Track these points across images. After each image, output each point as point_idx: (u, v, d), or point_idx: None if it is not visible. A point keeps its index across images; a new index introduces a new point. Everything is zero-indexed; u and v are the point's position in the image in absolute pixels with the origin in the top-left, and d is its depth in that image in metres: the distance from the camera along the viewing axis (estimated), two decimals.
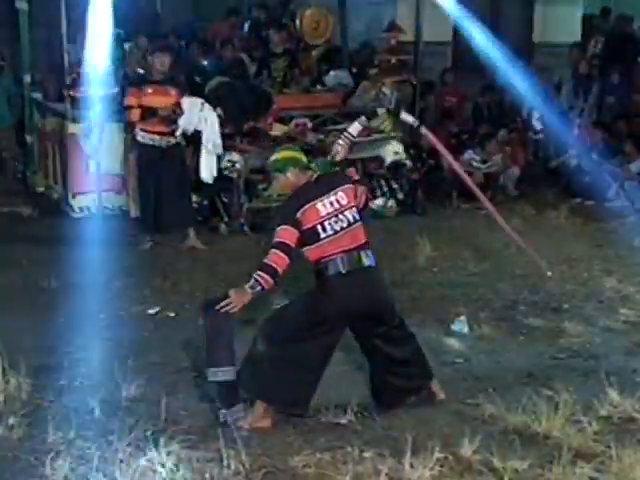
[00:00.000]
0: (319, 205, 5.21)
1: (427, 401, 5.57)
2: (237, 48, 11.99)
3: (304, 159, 5.44)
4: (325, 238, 5.19)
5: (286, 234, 5.16)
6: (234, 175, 9.75)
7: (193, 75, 11.25)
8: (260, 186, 10.42)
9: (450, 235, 9.54)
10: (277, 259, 5.13)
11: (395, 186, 10.62)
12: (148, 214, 9.13)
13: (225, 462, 4.76)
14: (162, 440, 4.92)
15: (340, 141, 5.80)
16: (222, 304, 5.11)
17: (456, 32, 14.32)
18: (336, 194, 5.27)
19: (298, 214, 5.17)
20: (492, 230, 9.79)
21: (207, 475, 4.70)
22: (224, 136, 9.74)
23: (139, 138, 9.01)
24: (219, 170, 9.72)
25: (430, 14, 12.74)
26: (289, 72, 11.61)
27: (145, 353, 6.32)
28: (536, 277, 8.18)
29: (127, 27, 12.94)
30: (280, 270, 5.13)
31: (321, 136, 10.63)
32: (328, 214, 5.21)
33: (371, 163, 10.72)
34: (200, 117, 9.27)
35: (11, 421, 5.24)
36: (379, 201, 10.48)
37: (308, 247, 5.21)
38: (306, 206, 5.19)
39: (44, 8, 13.03)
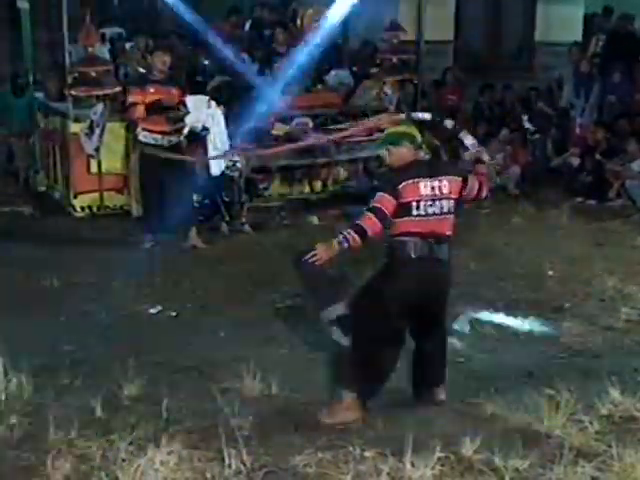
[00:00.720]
0: (422, 185, 5.27)
1: (427, 401, 5.57)
2: (238, 47, 11.97)
3: (419, 137, 5.56)
4: (416, 216, 5.27)
5: (385, 201, 5.26)
6: (235, 174, 9.76)
7: (195, 74, 11.26)
8: (261, 185, 10.45)
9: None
10: (369, 222, 5.25)
11: None
12: (150, 213, 9.13)
13: (226, 461, 4.76)
14: (163, 439, 4.92)
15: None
16: (309, 256, 5.26)
17: (458, 31, 14.35)
18: (441, 181, 5.33)
19: (400, 186, 5.25)
20: (493, 229, 9.84)
21: (208, 474, 4.71)
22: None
23: (141, 137, 9.02)
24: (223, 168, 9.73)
25: (432, 13, 12.76)
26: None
27: (146, 352, 6.32)
28: (537, 276, 8.20)
29: (128, 26, 12.98)
30: (370, 232, 5.25)
31: (322, 135, 10.63)
32: (426, 195, 5.27)
33: (372, 162, 10.71)
34: (207, 114, 9.30)
35: (12, 420, 5.24)
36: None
37: (398, 219, 5.28)
38: (410, 181, 5.26)
39: (45, 8, 13.08)
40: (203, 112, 9.27)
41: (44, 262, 8.50)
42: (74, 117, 10.26)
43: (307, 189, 11.03)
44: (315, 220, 9.76)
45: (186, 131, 9.11)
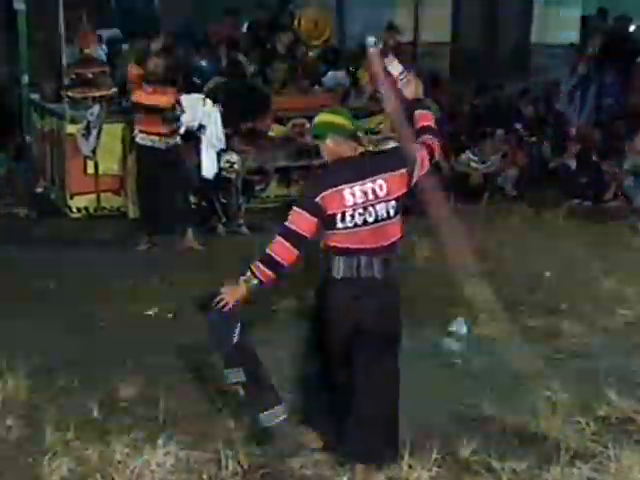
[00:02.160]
0: (346, 192, 4.41)
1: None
2: (235, 48, 11.97)
3: (351, 125, 4.60)
4: (341, 229, 4.45)
5: (300, 220, 4.45)
6: (232, 176, 9.75)
7: (192, 76, 11.25)
8: (258, 187, 10.44)
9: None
10: (281, 250, 4.47)
11: None
12: (147, 215, 9.12)
13: (223, 463, 4.76)
14: (160, 441, 4.93)
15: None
16: (215, 301, 4.60)
17: (455, 33, 14.37)
18: (374, 182, 4.46)
19: (318, 199, 4.41)
20: (491, 231, 9.84)
21: (205, 476, 4.72)
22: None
23: (138, 140, 9.02)
24: (217, 170, 9.72)
25: (429, 14, 12.79)
26: (289, 73, 11.62)
27: (143, 354, 6.31)
28: (534, 277, 8.20)
29: (126, 27, 12.96)
30: (284, 263, 4.47)
31: None
32: (354, 204, 4.42)
33: None
34: (204, 112, 9.31)
35: (9, 422, 5.24)
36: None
37: (325, 231, 4.51)
38: (329, 191, 4.41)
39: (42, 9, 13.03)
40: (199, 110, 9.27)
41: (40, 263, 8.48)
42: (70, 118, 10.24)
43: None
44: None
45: (182, 131, 9.11)
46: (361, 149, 4.67)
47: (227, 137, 9.94)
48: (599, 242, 9.46)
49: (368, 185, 4.45)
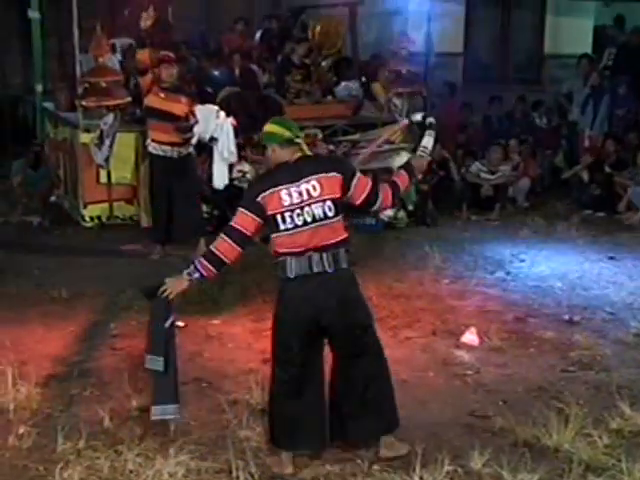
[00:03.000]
0: (283, 193, 4.65)
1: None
2: (248, 58, 12.01)
3: (287, 133, 4.77)
4: (284, 230, 4.67)
5: (243, 220, 4.70)
6: (244, 185, 9.76)
7: (204, 85, 11.29)
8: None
9: (460, 246, 9.52)
10: (224, 247, 4.71)
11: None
12: (160, 224, 9.14)
13: (234, 473, 4.76)
14: (171, 450, 4.93)
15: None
16: (160, 291, 4.81)
17: (467, 43, 14.37)
18: (308, 182, 4.67)
19: (259, 198, 4.66)
20: (503, 241, 9.83)
21: None
22: (235, 146, 9.78)
23: (151, 149, 9.05)
24: (230, 180, 9.74)
25: (441, 25, 12.78)
26: (303, 83, 11.65)
27: None
28: (546, 289, 8.18)
29: (139, 37, 13.00)
30: (226, 260, 4.72)
31: (331, 147, 10.66)
32: (291, 205, 4.65)
33: (381, 174, 10.70)
34: (216, 124, 9.35)
35: (21, 430, 5.25)
36: (389, 212, 10.47)
37: (271, 234, 4.74)
38: (268, 191, 4.65)
39: (56, 18, 13.14)
40: (212, 122, 9.32)
41: (53, 272, 8.52)
42: (84, 127, 10.29)
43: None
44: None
45: (194, 141, 9.14)
46: (299, 154, 4.81)
47: (240, 147, 9.98)
48: (611, 254, 9.43)
49: (303, 186, 4.68)
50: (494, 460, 4.89)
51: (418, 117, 5.62)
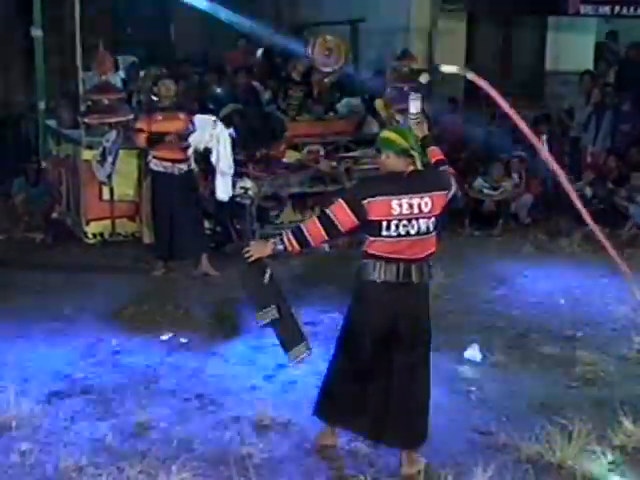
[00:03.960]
0: (394, 203, 4.76)
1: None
2: (250, 75, 12.05)
3: (405, 143, 4.88)
4: (385, 237, 4.80)
5: (340, 212, 4.82)
6: (247, 202, 9.78)
7: (206, 102, 11.33)
8: (272, 213, 10.46)
9: (463, 262, 9.52)
10: (313, 229, 4.88)
11: None
12: (161, 241, 9.15)
13: None
14: (174, 467, 4.92)
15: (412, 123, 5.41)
16: (243, 252, 5.02)
17: (468, 59, 14.40)
18: (422, 198, 4.81)
19: (365, 201, 4.76)
20: (505, 257, 9.83)
21: None
22: (237, 162, 9.80)
23: (152, 165, 9.06)
24: (232, 197, 9.75)
25: (442, 42, 12.84)
26: (304, 100, 11.68)
27: (158, 379, 6.32)
28: (549, 305, 8.18)
29: (142, 54, 13.07)
30: (311, 240, 4.88)
31: (334, 163, 10.68)
32: (400, 215, 4.78)
33: None
34: (212, 135, 9.29)
35: (23, 447, 5.24)
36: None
37: (367, 236, 4.88)
38: (378, 198, 4.76)
39: (59, 36, 13.19)
40: (207, 132, 9.24)
41: (56, 288, 8.52)
42: (87, 144, 10.31)
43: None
44: (326, 247, 9.75)
45: (191, 152, 9.11)
46: (412, 167, 4.92)
47: (242, 163, 10.00)
48: (614, 269, 9.40)
49: (415, 200, 4.81)
50: (497, 476, 4.89)
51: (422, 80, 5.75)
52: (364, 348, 4.98)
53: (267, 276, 5.04)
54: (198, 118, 9.19)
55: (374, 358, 4.99)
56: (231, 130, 9.62)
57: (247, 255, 4.99)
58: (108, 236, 10.32)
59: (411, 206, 4.80)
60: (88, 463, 5.04)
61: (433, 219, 4.89)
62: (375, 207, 4.77)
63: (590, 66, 14.46)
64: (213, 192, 9.72)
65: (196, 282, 8.88)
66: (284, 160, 10.56)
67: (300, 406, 5.80)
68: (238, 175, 9.79)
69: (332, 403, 5.21)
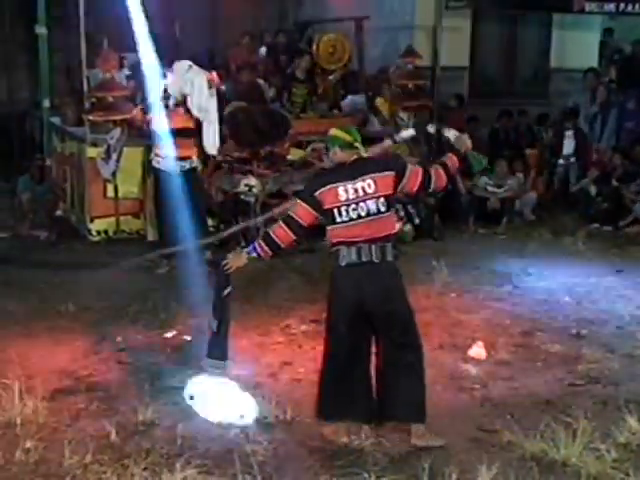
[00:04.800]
0: (340, 189, 5.17)
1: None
2: (254, 73, 12.04)
3: (348, 137, 5.30)
4: (340, 223, 5.18)
5: (300, 210, 5.26)
6: (251, 199, 9.78)
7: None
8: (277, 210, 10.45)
9: (467, 260, 9.51)
10: (281, 233, 5.30)
11: (412, 211, 10.60)
12: (165, 238, 9.14)
13: None
14: (178, 465, 4.92)
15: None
16: (223, 263, 5.45)
17: (473, 57, 14.38)
18: (364, 181, 5.17)
19: (317, 193, 5.20)
20: (510, 255, 9.82)
21: None
22: (242, 160, 9.80)
23: (154, 163, 9.07)
24: (236, 194, 9.75)
25: (447, 39, 12.81)
26: (308, 98, 11.68)
27: (162, 377, 6.32)
28: (554, 303, 8.16)
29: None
30: (281, 244, 5.30)
31: None
32: (347, 200, 5.16)
33: None
34: (186, 79, 9.15)
35: (27, 445, 5.24)
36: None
37: (327, 227, 5.25)
38: (326, 187, 5.19)
39: (63, 33, 13.19)
40: (181, 77, 9.10)
41: (60, 286, 8.52)
42: (91, 142, 10.33)
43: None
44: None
45: (171, 102, 9.02)
46: (356, 156, 5.31)
47: (246, 161, 10.00)
48: (619, 267, 9.41)
49: (359, 184, 5.18)
50: (502, 474, 4.88)
51: (410, 133, 6.27)
52: (342, 333, 5.25)
53: (226, 292, 5.52)
54: (175, 66, 9.13)
55: (354, 342, 5.27)
56: (210, 74, 9.36)
57: (226, 267, 5.44)
58: (112, 233, 10.34)
59: (356, 190, 5.17)
60: (92, 460, 5.03)
61: (382, 199, 5.18)
62: (325, 196, 5.19)
63: (595, 64, 14.46)
64: (218, 189, 9.73)
65: (199, 279, 8.86)
66: (288, 158, 10.55)
67: (304, 404, 5.80)
68: (242, 173, 9.80)
69: (328, 400, 5.40)
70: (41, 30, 11.28)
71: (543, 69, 14.98)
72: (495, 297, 8.36)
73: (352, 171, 5.24)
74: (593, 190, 11.81)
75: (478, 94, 14.08)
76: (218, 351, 5.63)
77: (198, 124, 9.23)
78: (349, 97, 12.07)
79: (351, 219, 5.16)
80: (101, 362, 6.67)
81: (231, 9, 15.39)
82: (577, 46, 14.57)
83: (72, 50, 10.82)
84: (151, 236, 9.90)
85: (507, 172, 11.62)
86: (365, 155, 5.35)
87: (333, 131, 5.40)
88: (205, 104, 9.26)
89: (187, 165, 9.03)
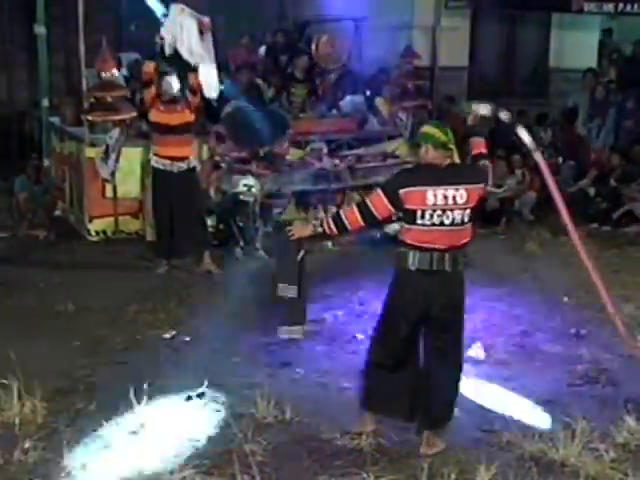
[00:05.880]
0: (429, 193, 4.97)
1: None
2: (253, 72, 12.04)
3: (443, 137, 5.08)
4: (420, 225, 5.01)
5: (378, 202, 5.10)
6: (250, 199, 9.77)
7: (209, 99, 11.30)
8: (275, 211, 10.45)
9: (466, 260, 9.48)
10: (351, 216, 5.19)
11: None
12: (162, 238, 9.14)
13: None
14: (177, 465, 4.91)
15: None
16: (287, 229, 5.46)
17: (472, 57, 14.39)
18: (457, 190, 5.00)
19: (401, 191, 5.01)
20: (508, 255, 9.81)
21: None
22: (241, 160, 9.79)
23: (153, 162, 9.07)
24: (235, 194, 9.74)
25: (446, 39, 12.82)
26: (307, 97, 11.68)
27: (161, 377, 6.31)
28: (553, 303, 8.16)
29: (145, 51, 13.03)
30: (349, 227, 5.21)
31: (337, 161, 10.67)
32: (435, 205, 4.98)
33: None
34: (177, 22, 9.08)
35: (26, 445, 5.24)
36: (395, 225, 10.40)
37: (404, 224, 5.12)
38: (414, 188, 4.99)
39: (62, 33, 13.18)
40: (173, 20, 9.06)
41: (59, 286, 8.52)
42: (90, 142, 10.31)
43: (322, 214, 11.02)
44: (330, 245, 9.75)
45: (167, 52, 9.01)
46: (449, 160, 5.14)
47: (245, 161, 10.00)
48: (618, 267, 9.41)
49: (450, 191, 5.00)
50: (501, 474, 4.88)
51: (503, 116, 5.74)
52: (399, 334, 5.19)
53: (300, 256, 5.59)
54: (170, 8, 9.10)
55: (407, 343, 5.23)
56: (202, 18, 9.23)
57: (290, 234, 5.42)
58: (111, 233, 10.33)
59: (446, 197, 4.99)
60: (91, 461, 5.03)
61: (468, 211, 5.06)
62: (411, 196, 4.99)
63: (594, 64, 14.47)
64: (216, 189, 9.72)
65: (199, 280, 8.88)
66: (287, 158, 10.55)
67: (303, 403, 5.80)
68: (242, 173, 9.80)
69: (370, 392, 5.42)
70: (40, 30, 11.27)
71: (542, 69, 14.99)
72: (494, 297, 8.35)
73: (445, 176, 5.05)
74: (592, 190, 11.82)
75: (477, 94, 14.06)
76: (298, 315, 5.68)
77: (197, 115, 9.21)
78: (348, 97, 12.06)
79: (433, 224, 5.01)
80: (100, 362, 6.67)
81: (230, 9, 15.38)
82: (576, 46, 14.58)
83: (71, 50, 10.80)
84: (150, 236, 9.89)
85: (506, 172, 11.62)
86: (458, 161, 5.22)
87: (428, 128, 5.21)
88: (195, 48, 9.18)
89: (185, 166, 9.02)
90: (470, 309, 7.86)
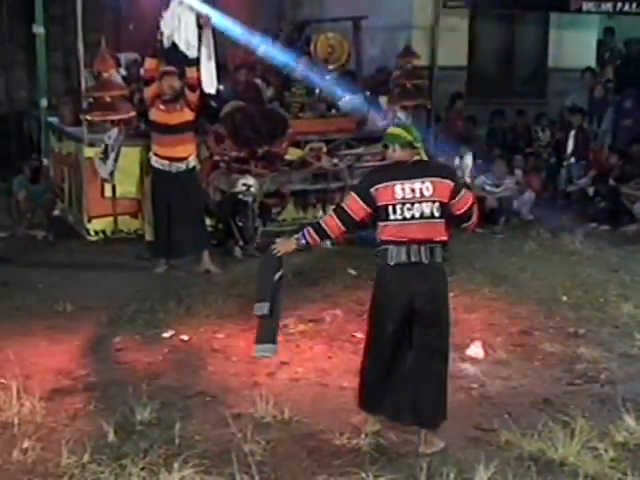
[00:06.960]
0: (397, 187, 5.13)
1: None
2: (252, 72, 12.03)
3: (409, 137, 5.26)
4: (393, 220, 5.14)
5: (352, 204, 5.24)
6: (249, 199, 9.77)
7: (208, 99, 11.30)
8: (275, 210, 10.46)
9: (465, 259, 9.50)
10: (331, 222, 5.30)
11: None
12: (161, 238, 9.13)
13: None
14: (176, 464, 4.92)
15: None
16: (270, 247, 5.45)
17: (471, 56, 14.38)
18: (423, 183, 5.14)
19: (372, 189, 5.17)
20: (507, 254, 9.82)
21: None
22: (240, 160, 9.79)
23: (152, 162, 9.06)
24: (234, 194, 9.74)
25: (445, 39, 12.82)
26: (307, 97, 11.68)
27: (159, 377, 6.32)
28: (552, 302, 8.16)
29: (144, 50, 13.03)
30: (331, 234, 5.34)
31: (336, 160, 10.67)
32: (403, 199, 5.12)
33: None
34: (175, 14, 9.12)
35: (25, 444, 5.24)
36: None
37: (379, 223, 5.22)
38: (382, 184, 5.15)
39: (61, 33, 13.18)
40: (171, 12, 9.11)
41: (57, 285, 8.52)
42: (89, 142, 10.31)
43: (321, 213, 11.03)
44: (328, 244, 9.75)
45: (167, 43, 9.05)
46: (417, 157, 5.27)
47: (244, 161, 10.00)
48: (616, 267, 9.42)
49: (417, 185, 5.15)
50: (499, 474, 4.88)
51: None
52: (386, 331, 5.25)
53: (277, 275, 5.43)
54: (171, 2, 9.14)
55: (398, 339, 5.27)
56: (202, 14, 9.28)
57: (275, 251, 5.42)
58: (110, 233, 10.32)
59: (413, 190, 5.13)
60: (90, 460, 5.03)
61: (437, 204, 5.15)
62: (381, 193, 5.14)
63: (592, 63, 14.46)
64: (215, 189, 9.72)
65: (198, 279, 8.88)
66: (286, 157, 10.55)
67: (302, 404, 5.80)
68: (240, 172, 9.80)
69: (371, 393, 5.44)
70: (39, 29, 11.26)
71: (541, 68, 14.98)
72: (493, 296, 8.36)
73: (412, 171, 5.21)
74: (591, 190, 11.82)
75: (476, 94, 14.08)
76: (269, 334, 5.55)
77: (197, 115, 9.21)
78: (347, 97, 12.05)
79: (405, 218, 5.14)
80: (99, 362, 6.67)
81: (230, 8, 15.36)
82: (575, 46, 14.57)
83: (70, 50, 10.79)
84: (149, 236, 9.87)
85: (505, 171, 11.63)
86: (425, 157, 5.31)
87: (393, 129, 5.41)
88: (193, 41, 9.23)
89: (184, 166, 9.01)
90: (469, 309, 7.95)
